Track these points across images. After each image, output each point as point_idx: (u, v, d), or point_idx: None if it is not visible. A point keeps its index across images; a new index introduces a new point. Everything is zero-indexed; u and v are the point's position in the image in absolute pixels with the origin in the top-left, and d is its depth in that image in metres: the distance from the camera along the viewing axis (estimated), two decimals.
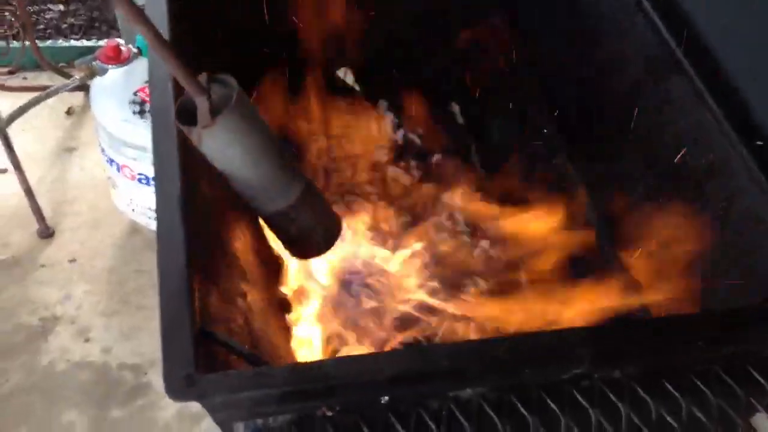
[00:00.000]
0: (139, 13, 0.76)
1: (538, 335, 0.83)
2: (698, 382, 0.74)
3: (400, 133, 1.69)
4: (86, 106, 2.12)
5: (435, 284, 1.39)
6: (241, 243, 1.13)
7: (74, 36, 2.26)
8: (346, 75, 1.68)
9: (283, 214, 1.00)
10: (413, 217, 1.54)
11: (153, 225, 1.74)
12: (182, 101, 0.88)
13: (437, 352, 0.74)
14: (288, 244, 1.08)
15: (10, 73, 2.10)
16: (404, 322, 1.34)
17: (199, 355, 0.69)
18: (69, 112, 2.11)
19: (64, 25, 2.29)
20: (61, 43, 2.22)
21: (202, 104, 0.85)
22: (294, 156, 1.06)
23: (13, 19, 2.20)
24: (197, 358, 0.68)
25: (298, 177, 1.01)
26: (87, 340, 1.63)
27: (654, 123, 1.08)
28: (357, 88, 1.69)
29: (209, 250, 0.93)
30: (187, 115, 0.88)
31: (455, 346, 1.05)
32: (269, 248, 1.29)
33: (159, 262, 0.77)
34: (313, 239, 1.07)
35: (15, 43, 2.10)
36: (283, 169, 0.97)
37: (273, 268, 1.32)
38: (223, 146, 0.89)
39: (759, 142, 0.90)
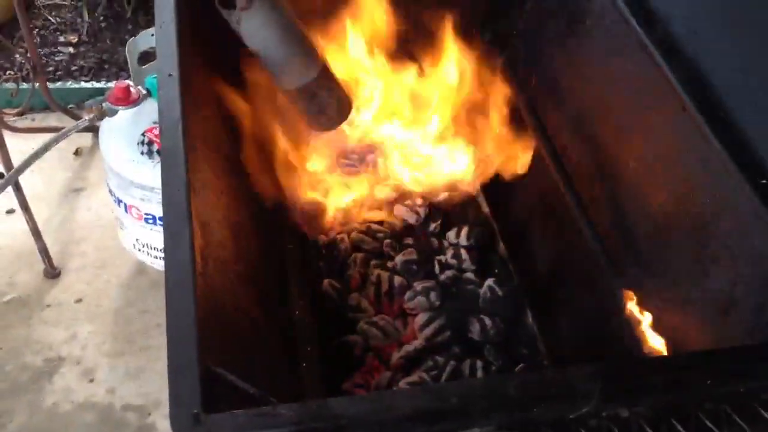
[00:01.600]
0: None
1: (546, 372, 0.83)
2: (707, 422, 0.74)
3: None
4: (94, 147, 2.14)
5: None
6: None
7: (84, 78, 2.29)
8: None
9: (306, 89, 1.25)
10: None
11: (159, 265, 1.74)
12: None
13: (447, 390, 0.74)
14: (309, 118, 1.33)
15: (19, 114, 2.12)
16: None
17: (206, 394, 0.69)
18: (77, 152, 2.13)
19: (74, 68, 2.33)
20: (71, 84, 2.25)
21: None
22: (313, 46, 1.30)
23: (23, 60, 2.24)
24: (204, 398, 0.68)
25: (317, 58, 1.26)
26: (92, 381, 1.62)
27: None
28: None
29: (216, 289, 0.94)
30: (226, 1, 1.15)
31: (464, 383, 1.05)
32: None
33: (167, 302, 0.77)
34: (329, 113, 1.32)
35: (24, 85, 2.13)
36: (306, 49, 1.23)
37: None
38: (259, 26, 1.15)
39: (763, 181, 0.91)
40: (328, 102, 1.30)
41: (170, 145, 0.97)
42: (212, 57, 1.26)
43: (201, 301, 0.79)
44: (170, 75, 1.05)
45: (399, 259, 1.51)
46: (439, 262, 1.52)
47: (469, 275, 1.50)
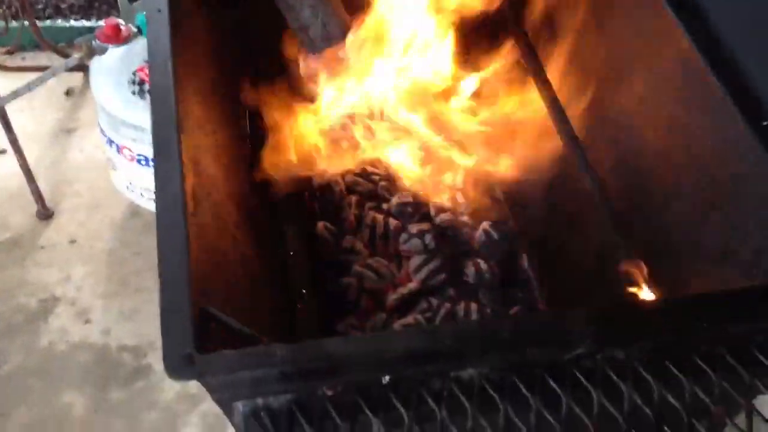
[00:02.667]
0: None
1: (541, 315, 0.83)
2: (702, 364, 0.74)
3: None
4: (85, 87, 2.11)
5: None
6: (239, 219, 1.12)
7: (74, 16, 2.24)
8: None
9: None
10: None
11: (152, 206, 1.73)
12: None
13: (442, 331, 0.74)
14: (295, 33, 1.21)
15: (9, 53, 2.09)
16: None
17: (199, 334, 0.68)
18: (68, 92, 2.10)
19: (64, 5, 2.27)
20: (61, 23, 2.20)
21: None
22: None
23: None
24: (197, 337, 0.67)
25: None
26: (86, 322, 1.62)
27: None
28: None
29: (209, 230, 0.93)
30: None
31: (459, 325, 1.05)
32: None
33: (158, 242, 0.76)
34: (310, 33, 1.19)
35: (14, 23, 2.08)
36: None
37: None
38: None
39: None
40: (309, 22, 1.19)
41: (159, 81, 0.95)
42: None
43: (193, 240, 0.78)
44: (159, 10, 1.02)
45: (394, 201, 1.49)
46: (435, 205, 1.51)
47: (465, 219, 1.49)
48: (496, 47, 1.38)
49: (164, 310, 0.70)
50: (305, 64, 1.28)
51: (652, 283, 1.06)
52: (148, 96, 1.58)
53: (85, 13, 2.26)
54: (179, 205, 0.80)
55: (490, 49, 1.39)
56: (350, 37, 1.24)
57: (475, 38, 1.39)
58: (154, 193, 0.83)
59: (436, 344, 0.69)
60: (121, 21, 1.63)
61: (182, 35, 1.02)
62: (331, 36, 1.21)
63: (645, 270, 1.07)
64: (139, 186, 1.70)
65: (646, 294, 1.06)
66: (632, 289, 1.07)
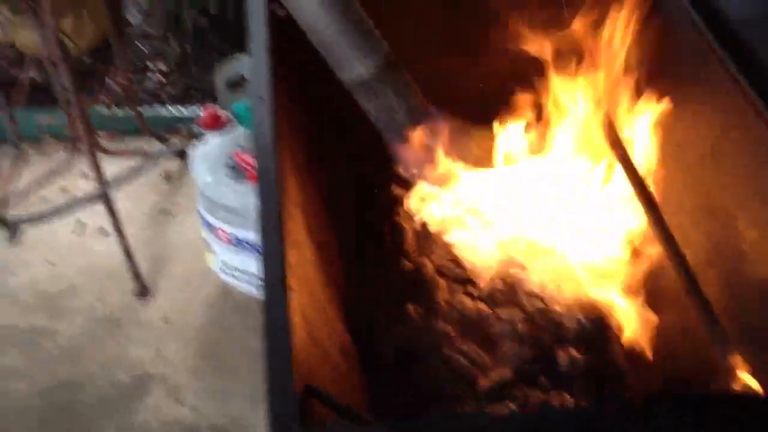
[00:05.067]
0: None
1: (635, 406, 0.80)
2: None
3: None
4: (182, 171, 2.20)
5: None
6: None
7: (172, 104, 2.35)
8: None
9: (364, 84, 1.13)
10: None
11: (244, 287, 1.77)
12: None
13: (534, 419, 0.72)
14: (374, 120, 1.19)
15: (112, 137, 2.20)
16: None
17: (304, 412, 0.69)
18: (166, 177, 2.19)
19: (163, 94, 2.40)
20: (160, 110, 2.32)
21: None
22: (375, 33, 1.15)
23: (116, 86, 2.33)
24: (302, 415, 0.68)
25: (379, 49, 1.13)
26: (178, 400, 1.65)
27: None
28: None
29: (307, 309, 0.94)
30: None
31: (552, 414, 1.02)
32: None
33: (263, 320, 0.78)
34: (397, 117, 1.18)
35: (117, 110, 2.21)
36: (361, 38, 1.10)
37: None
38: (306, 5, 1.07)
39: None
40: (394, 103, 1.17)
41: (263, 165, 0.99)
42: (303, 81, 1.27)
43: (295, 320, 0.80)
44: (261, 98, 1.07)
45: (484, 286, 1.49)
46: (525, 291, 1.49)
47: (557, 306, 1.47)
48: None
49: (269, 387, 0.71)
50: (396, 149, 1.30)
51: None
52: (243, 179, 1.64)
53: (182, 101, 2.38)
54: (281, 285, 0.83)
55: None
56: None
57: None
58: (259, 272, 0.86)
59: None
60: (219, 109, 1.71)
61: (283, 121, 1.07)
62: (416, 114, 1.21)
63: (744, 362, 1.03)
64: (231, 266, 1.74)
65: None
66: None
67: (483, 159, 1.29)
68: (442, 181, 1.32)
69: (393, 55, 1.15)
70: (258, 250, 1.66)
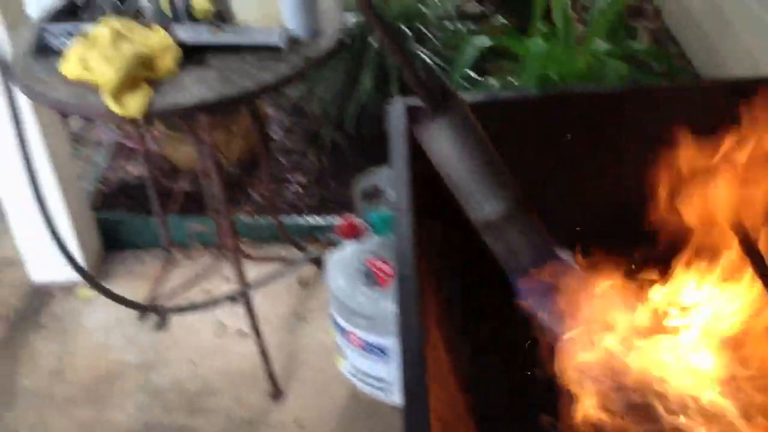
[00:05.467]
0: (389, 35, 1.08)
1: None
2: None
3: None
4: (317, 277, 2.30)
5: None
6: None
7: (309, 214, 2.48)
8: None
9: (491, 226, 1.14)
10: None
11: (377, 393, 1.80)
12: (415, 106, 1.15)
13: None
14: (499, 259, 1.17)
15: (255, 245, 2.34)
16: None
17: None
18: (301, 282, 2.29)
19: (301, 204, 2.54)
20: (298, 219, 2.45)
21: (426, 106, 1.09)
22: (508, 174, 1.15)
23: (258, 196, 2.49)
24: None
25: (508, 192, 1.13)
26: None
27: None
28: None
29: (448, 411, 0.97)
30: (415, 115, 1.15)
31: None
32: None
33: (403, 425, 0.81)
34: (519, 258, 1.16)
35: (259, 218, 2.36)
36: (491, 180, 1.12)
37: None
38: (437, 145, 1.11)
39: None
40: (518, 245, 1.15)
41: (404, 273, 1.04)
42: (443, 194, 1.33)
43: (433, 425, 0.82)
44: (401, 210, 1.14)
45: (619, 398, 1.46)
46: (664, 405, 1.45)
47: (698, 425, 1.41)
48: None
49: None
50: (520, 289, 1.24)
51: None
52: (376, 286, 1.70)
53: (319, 211, 2.50)
54: (421, 390, 0.86)
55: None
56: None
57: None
58: (400, 369, 0.89)
59: None
60: (356, 219, 1.80)
61: (423, 232, 1.12)
62: (541, 258, 1.18)
63: None
64: (362, 371, 1.79)
65: None
66: None
67: (606, 308, 1.27)
68: (563, 323, 1.29)
69: (523, 196, 1.15)
70: (388, 355, 1.70)
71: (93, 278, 2.00)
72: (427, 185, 1.21)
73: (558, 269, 1.23)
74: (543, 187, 1.28)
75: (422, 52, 2.45)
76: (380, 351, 1.71)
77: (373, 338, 1.71)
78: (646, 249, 1.28)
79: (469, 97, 1.23)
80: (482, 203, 1.13)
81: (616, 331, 1.26)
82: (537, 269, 1.19)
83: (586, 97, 1.44)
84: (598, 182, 1.36)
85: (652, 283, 1.29)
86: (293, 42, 1.60)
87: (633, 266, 1.29)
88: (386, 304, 1.66)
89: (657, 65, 2.39)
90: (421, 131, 1.12)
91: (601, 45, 2.17)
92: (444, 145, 1.11)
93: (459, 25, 2.71)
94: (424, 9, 2.56)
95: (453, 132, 1.10)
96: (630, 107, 1.37)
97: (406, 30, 2.44)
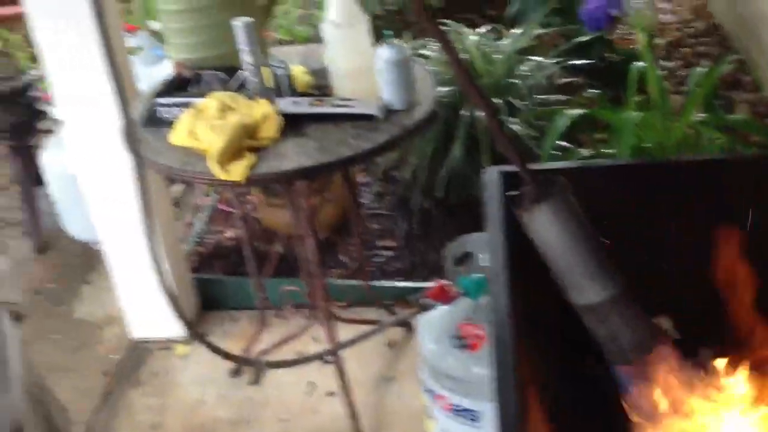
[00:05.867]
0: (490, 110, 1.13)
1: None
2: None
3: None
4: (405, 340, 2.33)
5: None
6: None
7: (398, 278, 2.53)
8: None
9: (592, 308, 1.14)
10: None
11: None
12: (520, 191, 1.15)
13: None
14: (600, 343, 1.18)
15: (345, 306, 2.39)
16: None
17: None
18: (390, 344, 2.33)
19: (391, 269, 2.59)
20: (387, 283, 2.49)
21: (530, 192, 1.12)
22: (611, 261, 1.15)
23: (348, 261, 2.55)
24: None
25: (611, 279, 1.14)
26: None
27: None
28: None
29: None
30: (519, 200, 1.16)
31: None
32: None
33: None
34: (621, 344, 1.16)
35: (350, 281, 2.42)
36: (595, 266, 1.13)
37: None
38: (541, 229, 1.13)
39: None
40: (620, 332, 1.16)
41: (500, 335, 1.07)
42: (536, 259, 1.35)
43: None
44: (498, 274, 1.17)
45: None
46: None
47: None
48: None
49: None
50: (620, 375, 1.25)
51: None
52: (467, 350, 1.72)
53: (408, 275, 2.55)
54: None
55: None
56: None
57: None
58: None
59: None
60: (448, 283, 1.83)
61: (517, 295, 1.15)
62: (642, 345, 1.18)
63: None
64: None
65: None
66: None
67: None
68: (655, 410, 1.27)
69: (627, 284, 1.17)
70: (478, 419, 1.70)
71: (197, 330, 2.09)
72: (521, 250, 1.24)
73: (655, 356, 1.22)
74: (633, 256, 1.29)
75: (514, 123, 2.49)
76: (471, 415, 1.72)
77: (463, 402, 1.72)
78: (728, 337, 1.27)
79: (563, 164, 1.26)
80: (584, 288, 1.14)
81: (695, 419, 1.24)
82: (637, 355, 1.19)
83: (683, 165, 1.45)
84: (688, 257, 1.36)
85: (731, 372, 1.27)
86: (389, 112, 1.67)
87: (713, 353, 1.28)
88: (478, 368, 1.67)
89: (756, 136, 2.37)
90: (524, 215, 1.14)
91: (698, 116, 2.18)
92: (547, 230, 1.13)
93: (550, 97, 2.76)
94: (515, 81, 2.61)
95: (556, 217, 1.12)
96: (727, 177, 1.38)
97: (499, 102, 2.49)
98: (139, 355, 2.44)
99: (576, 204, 1.14)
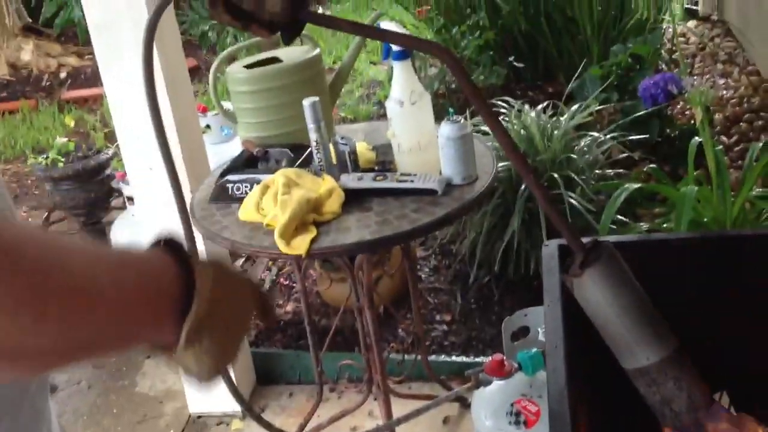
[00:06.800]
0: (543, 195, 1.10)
1: None
2: None
3: None
4: (461, 416, 2.31)
5: None
6: None
7: (455, 352, 2.52)
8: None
9: (643, 372, 1.13)
10: None
11: None
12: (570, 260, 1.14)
13: None
14: (652, 406, 1.16)
15: (400, 382, 2.39)
16: None
17: None
18: (445, 420, 2.31)
19: (446, 343, 2.59)
20: (444, 358, 2.49)
21: (577, 257, 1.11)
22: (663, 321, 1.13)
23: (406, 335, 2.56)
24: None
25: (663, 342, 1.12)
26: None
27: None
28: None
29: None
30: (565, 268, 1.15)
31: None
32: None
33: None
34: (676, 407, 1.14)
35: (406, 356, 2.42)
36: (644, 328, 1.12)
37: None
38: (588, 294, 1.12)
39: None
40: (673, 394, 1.13)
41: (556, 409, 1.06)
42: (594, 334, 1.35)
43: None
44: (556, 347, 1.17)
45: None
46: None
47: None
48: None
49: None
50: None
51: None
52: (523, 426, 1.70)
53: (465, 350, 2.54)
54: None
55: None
56: None
57: None
58: None
59: None
60: (504, 357, 1.83)
61: (575, 370, 1.15)
62: (697, 407, 1.16)
63: None
64: None
65: None
66: None
67: None
68: None
69: (678, 345, 1.15)
70: None
71: (252, 408, 2.11)
72: (580, 323, 1.25)
73: (713, 422, 1.20)
74: (690, 330, 1.28)
75: (572, 197, 2.51)
76: None
77: None
78: None
79: (621, 237, 1.27)
80: (635, 352, 1.13)
81: None
82: (692, 421, 1.16)
83: (740, 238, 1.45)
84: (746, 331, 1.34)
85: None
86: (449, 186, 1.71)
87: None
88: None
89: None
90: (572, 280, 1.14)
91: (756, 190, 2.17)
92: (594, 295, 1.12)
93: (608, 171, 2.78)
94: (573, 156, 2.64)
95: (603, 282, 1.11)
96: None
97: (556, 177, 2.51)
98: (196, 429, 2.47)
99: (625, 269, 1.14)
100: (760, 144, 2.34)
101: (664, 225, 2.18)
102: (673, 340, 1.14)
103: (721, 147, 2.65)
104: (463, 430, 2.24)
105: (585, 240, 1.14)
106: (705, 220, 2.08)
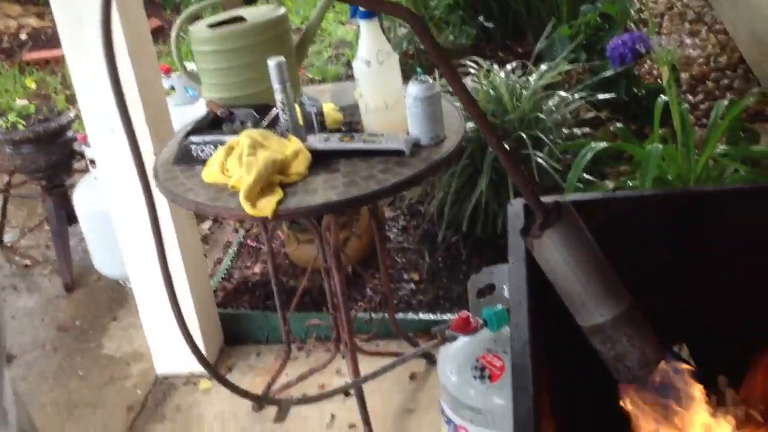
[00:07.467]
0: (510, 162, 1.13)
1: None
2: None
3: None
4: (426, 373, 2.34)
5: None
6: None
7: (422, 310, 2.55)
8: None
9: (597, 329, 1.16)
10: None
11: None
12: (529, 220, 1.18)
13: None
14: (607, 363, 1.20)
15: (368, 339, 2.41)
16: None
17: None
18: (412, 376, 2.34)
19: (414, 301, 2.61)
20: (411, 316, 2.51)
21: (538, 219, 1.13)
22: (618, 280, 1.16)
23: (374, 294, 2.58)
24: None
25: (617, 300, 1.15)
26: None
27: None
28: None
29: None
30: (526, 229, 1.18)
31: None
32: None
33: None
34: (628, 363, 1.18)
35: (374, 315, 2.44)
36: (599, 287, 1.15)
37: None
38: (548, 254, 1.14)
39: None
40: (626, 350, 1.17)
41: (519, 362, 1.08)
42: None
43: None
44: (520, 303, 1.19)
45: None
46: None
47: None
48: None
49: None
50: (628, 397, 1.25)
51: None
52: (488, 380, 1.73)
53: (432, 308, 2.56)
54: None
55: None
56: None
57: None
58: None
59: None
60: (470, 314, 1.85)
61: (537, 327, 1.16)
62: (649, 362, 1.19)
63: None
64: None
65: None
66: None
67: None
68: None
69: (635, 304, 1.17)
70: None
71: (217, 371, 2.10)
72: (543, 281, 1.26)
73: (665, 376, 1.23)
74: (654, 285, 1.31)
75: (539, 156, 2.52)
76: None
77: (483, 431, 1.72)
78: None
79: (587, 195, 1.28)
80: (590, 310, 1.16)
81: None
82: (644, 373, 1.20)
83: (703, 194, 1.47)
84: (709, 286, 1.37)
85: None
86: (417, 147, 1.70)
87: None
88: (498, 399, 1.68)
89: None
90: (532, 241, 1.16)
91: (721, 148, 2.19)
92: (552, 255, 1.14)
93: (575, 131, 2.79)
94: (541, 116, 2.65)
95: (562, 242, 1.13)
96: (749, 207, 1.39)
97: (524, 136, 2.52)
98: (164, 390, 2.47)
99: (583, 229, 1.16)
100: (725, 102, 2.36)
101: (630, 183, 2.20)
102: (627, 299, 1.17)
103: (686, 105, 2.67)
104: (430, 386, 2.27)
105: (546, 200, 1.16)
106: (669, 177, 2.11)
